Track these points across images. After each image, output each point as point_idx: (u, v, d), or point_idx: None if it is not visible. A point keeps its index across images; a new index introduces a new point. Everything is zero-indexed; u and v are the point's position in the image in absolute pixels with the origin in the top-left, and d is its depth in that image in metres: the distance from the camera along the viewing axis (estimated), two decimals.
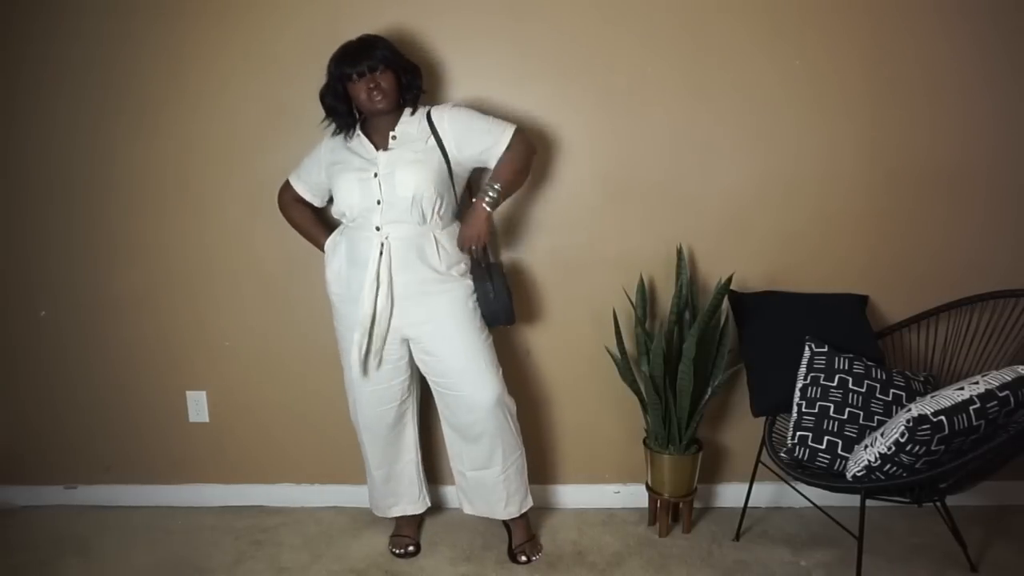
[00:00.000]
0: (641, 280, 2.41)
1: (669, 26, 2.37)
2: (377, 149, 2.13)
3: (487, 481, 2.28)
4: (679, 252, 2.39)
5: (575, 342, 2.53)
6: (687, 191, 2.45)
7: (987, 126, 2.39)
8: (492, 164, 2.16)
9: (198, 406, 2.64)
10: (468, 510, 2.38)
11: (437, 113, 2.15)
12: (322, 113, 2.19)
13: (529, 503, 2.37)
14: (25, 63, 2.46)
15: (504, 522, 2.39)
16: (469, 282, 2.20)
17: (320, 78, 2.33)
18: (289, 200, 2.34)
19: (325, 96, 2.15)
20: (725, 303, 2.36)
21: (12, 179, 2.54)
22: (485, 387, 2.18)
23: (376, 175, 2.10)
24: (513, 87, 2.40)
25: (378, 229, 2.11)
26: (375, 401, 2.28)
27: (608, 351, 2.42)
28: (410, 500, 2.43)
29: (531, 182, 2.44)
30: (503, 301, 2.20)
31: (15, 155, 2.52)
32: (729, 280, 2.29)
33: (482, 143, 2.13)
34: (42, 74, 2.46)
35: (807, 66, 2.38)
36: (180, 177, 2.50)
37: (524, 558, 2.31)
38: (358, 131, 2.18)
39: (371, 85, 2.05)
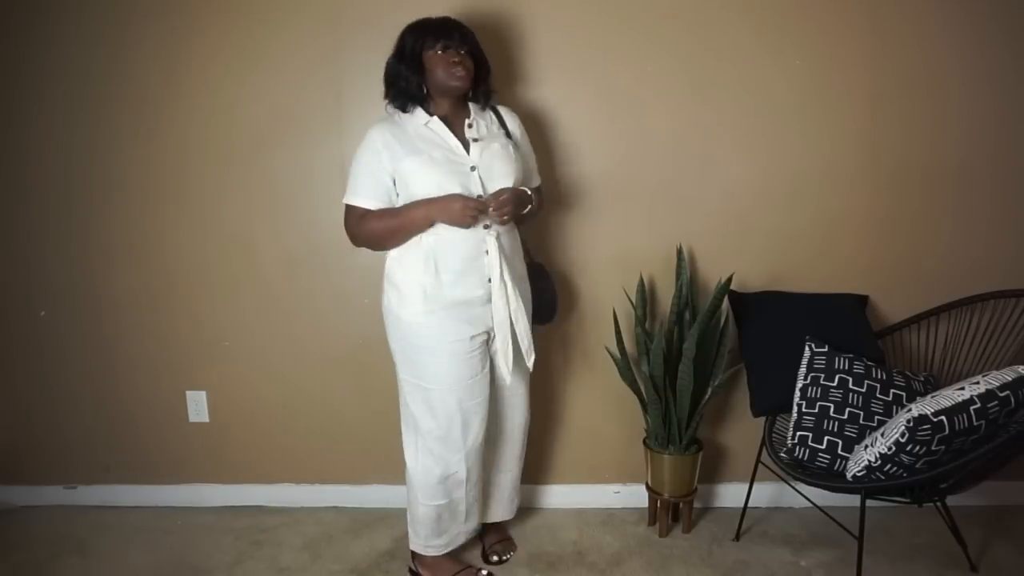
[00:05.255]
0: (641, 280, 2.41)
1: (671, 24, 2.37)
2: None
3: (507, 483, 2.30)
4: (679, 252, 2.39)
5: (575, 342, 2.53)
6: (687, 191, 2.45)
7: (989, 125, 2.40)
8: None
9: (198, 406, 2.64)
10: (489, 518, 2.32)
11: (506, 114, 2.12)
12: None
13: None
14: (24, 63, 2.45)
15: (484, 524, 2.34)
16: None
17: (319, 77, 2.32)
18: (357, 221, 2.00)
19: (397, 65, 1.96)
20: (725, 303, 2.36)
21: (11, 179, 2.53)
22: (525, 386, 2.22)
23: (474, 168, 1.95)
24: (513, 85, 2.40)
25: (487, 227, 1.95)
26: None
27: (608, 351, 2.42)
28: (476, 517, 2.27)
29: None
30: (544, 300, 2.24)
31: (14, 155, 2.52)
32: (729, 280, 2.29)
33: (531, 168, 2.18)
34: (41, 74, 2.46)
35: (808, 65, 2.38)
36: (179, 177, 2.50)
37: (496, 558, 2.30)
38: (435, 117, 1.98)
39: (455, 59, 1.91)
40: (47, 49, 2.44)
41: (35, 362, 2.64)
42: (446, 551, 2.20)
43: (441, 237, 1.94)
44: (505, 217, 1.92)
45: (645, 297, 2.43)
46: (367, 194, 1.97)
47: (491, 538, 2.36)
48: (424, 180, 1.92)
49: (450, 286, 1.96)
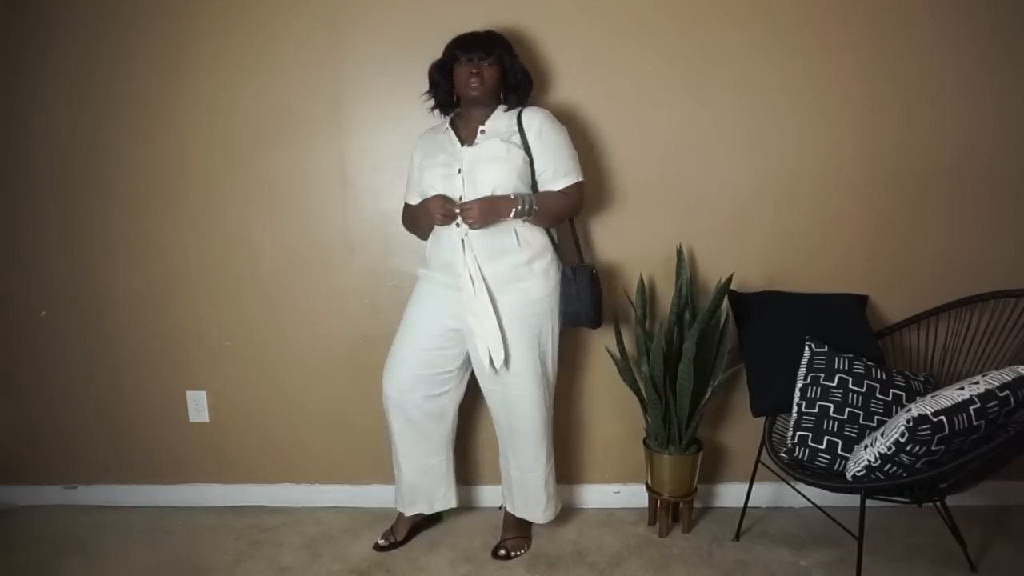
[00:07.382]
0: (641, 280, 2.42)
1: (669, 26, 2.37)
2: (463, 144, 2.16)
3: (530, 483, 2.31)
4: (679, 252, 2.39)
5: (575, 342, 2.53)
6: (687, 191, 2.45)
7: (986, 125, 2.40)
8: (540, 188, 2.18)
9: (198, 406, 2.64)
10: (510, 508, 2.39)
11: (528, 115, 2.16)
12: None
13: (558, 508, 2.40)
14: (26, 63, 2.46)
15: (505, 517, 2.41)
16: (552, 279, 2.19)
17: (319, 77, 2.33)
18: (403, 213, 2.35)
19: (433, 70, 2.21)
20: (725, 303, 2.36)
21: (12, 179, 2.54)
22: (527, 392, 2.21)
23: (460, 171, 2.13)
24: None
25: (458, 226, 2.12)
26: (420, 363, 2.26)
27: (608, 351, 2.43)
28: (427, 498, 2.41)
29: None
30: (585, 303, 2.21)
31: (15, 155, 2.52)
32: (729, 280, 2.29)
33: (547, 169, 2.16)
34: (43, 75, 2.46)
35: (806, 66, 2.38)
36: (180, 177, 2.50)
37: (504, 552, 2.32)
38: (447, 125, 2.21)
39: (473, 71, 2.11)
40: (49, 49, 2.45)
41: (36, 362, 2.65)
42: None
43: (436, 231, 2.22)
44: (470, 221, 2.08)
45: (645, 297, 2.43)
46: (408, 191, 2.31)
47: (508, 532, 2.38)
48: (424, 180, 2.20)
49: (435, 272, 2.23)
